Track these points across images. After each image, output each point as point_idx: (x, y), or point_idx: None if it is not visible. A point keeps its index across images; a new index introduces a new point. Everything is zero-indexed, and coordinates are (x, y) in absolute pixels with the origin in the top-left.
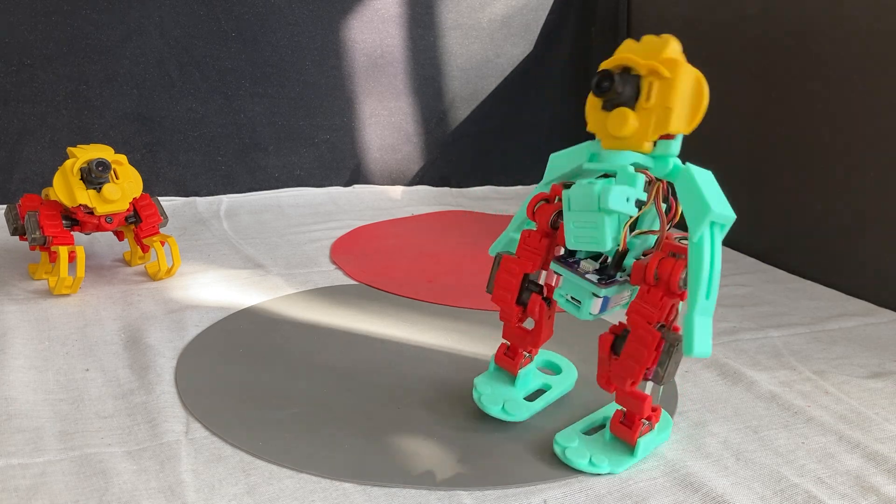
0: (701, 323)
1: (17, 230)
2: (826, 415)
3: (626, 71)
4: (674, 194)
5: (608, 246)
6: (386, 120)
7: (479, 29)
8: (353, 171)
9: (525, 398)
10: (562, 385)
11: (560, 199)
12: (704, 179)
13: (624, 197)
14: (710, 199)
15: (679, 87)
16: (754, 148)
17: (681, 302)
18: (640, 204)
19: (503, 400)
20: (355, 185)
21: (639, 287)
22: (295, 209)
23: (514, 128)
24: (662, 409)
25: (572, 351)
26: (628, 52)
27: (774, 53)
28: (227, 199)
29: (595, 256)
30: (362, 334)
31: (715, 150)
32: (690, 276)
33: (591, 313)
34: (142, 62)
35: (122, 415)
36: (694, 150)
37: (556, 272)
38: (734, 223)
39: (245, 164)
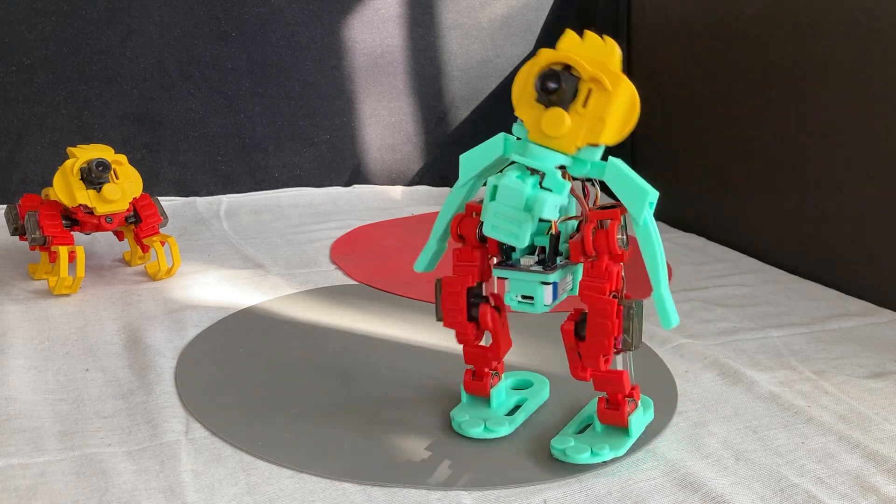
0: (668, 295)
1: (17, 230)
2: (826, 415)
3: (566, 69)
4: (589, 181)
5: (525, 244)
6: (386, 120)
7: (479, 29)
8: (353, 171)
9: (504, 415)
10: (537, 396)
11: (477, 214)
12: (629, 168)
13: (555, 206)
14: (643, 184)
15: (616, 103)
16: (754, 147)
17: (622, 262)
18: (562, 210)
19: (483, 420)
20: (355, 185)
21: (582, 266)
22: (295, 209)
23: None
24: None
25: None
26: (572, 51)
27: (774, 53)
28: (227, 199)
29: (532, 251)
30: (362, 334)
31: (715, 150)
32: (646, 256)
33: (545, 304)
34: (142, 62)
35: (122, 415)
36: (694, 149)
37: (500, 277)
38: (736, 223)
39: (245, 164)
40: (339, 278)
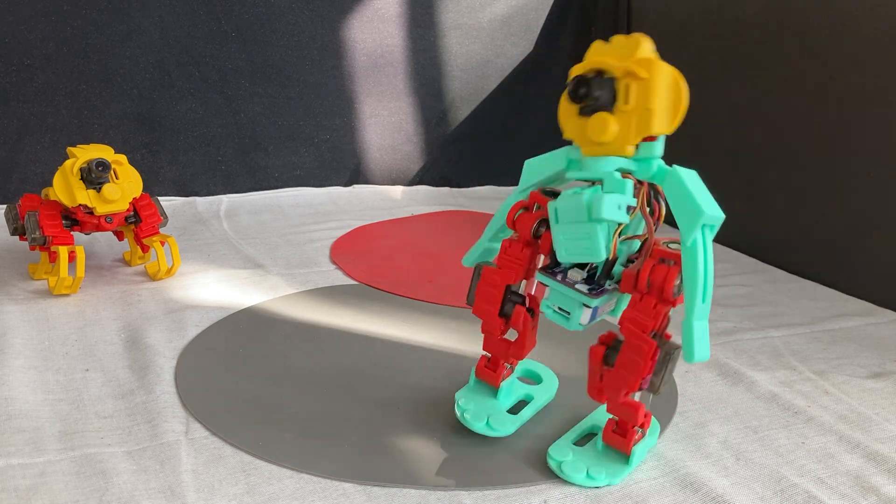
0: (700, 328)
1: (17, 230)
2: (826, 415)
3: (599, 74)
4: (656, 196)
5: (603, 256)
6: (386, 120)
7: (479, 29)
8: (353, 171)
9: (508, 410)
10: (544, 395)
11: (539, 207)
12: (692, 180)
13: (616, 205)
14: (700, 202)
15: (658, 87)
16: (754, 147)
17: (672, 308)
18: (630, 209)
19: (487, 415)
20: (355, 185)
21: (629, 295)
22: (295, 209)
23: (514, 128)
24: (652, 415)
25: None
26: (600, 55)
27: (774, 53)
28: (227, 199)
29: (581, 265)
30: (362, 334)
31: (715, 150)
32: (686, 281)
33: (580, 324)
34: (142, 62)
35: (122, 415)
36: (693, 149)
37: (542, 283)
38: (736, 222)
39: (245, 164)
40: (339, 278)
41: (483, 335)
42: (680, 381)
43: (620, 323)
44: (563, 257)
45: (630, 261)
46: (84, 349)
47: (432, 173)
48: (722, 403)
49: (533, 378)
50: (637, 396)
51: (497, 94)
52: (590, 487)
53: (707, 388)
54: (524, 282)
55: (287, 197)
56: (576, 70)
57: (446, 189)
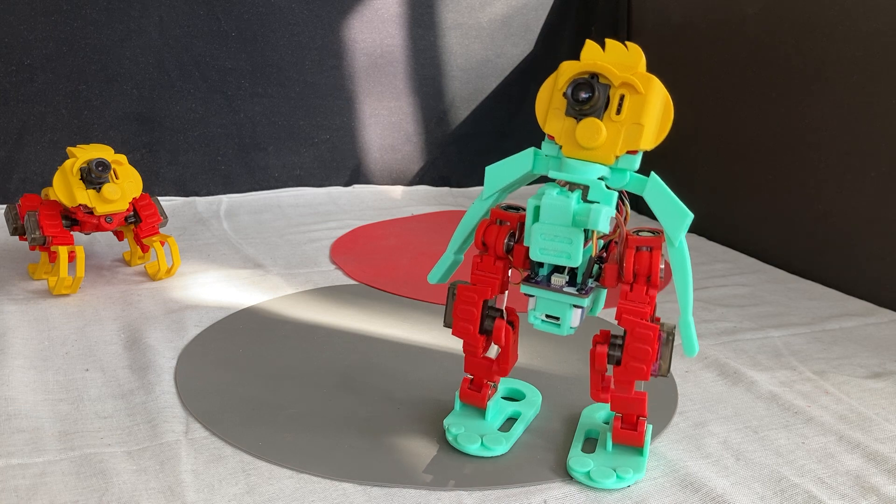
0: (692, 322)
1: (17, 230)
2: (826, 415)
3: (594, 77)
4: (621, 198)
5: (579, 261)
6: (386, 120)
7: (479, 29)
8: (353, 171)
9: (499, 429)
10: (531, 409)
11: (502, 223)
12: (668, 187)
13: (608, 218)
14: (683, 205)
15: (652, 105)
16: (754, 147)
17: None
18: (611, 221)
19: (480, 435)
20: (355, 185)
21: (605, 291)
22: (295, 209)
23: (514, 128)
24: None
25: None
26: (599, 59)
27: (774, 53)
28: (226, 199)
29: (560, 269)
30: (362, 334)
31: (714, 150)
32: (678, 280)
33: (571, 327)
34: (142, 62)
35: (122, 415)
36: (693, 149)
37: (527, 294)
38: (736, 222)
39: (245, 164)
40: (339, 278)
41: (465, 356)
42: (680, 381)
43: (618, 317)
44: (536, 255)
45: (600, 257)
46: (84, 349)
47: (432, 173)
48: (722, 403)
49: (516, 395)
50: (641, 386)
51: (497, 94)
52: (622, 488)
53: (707, 388)
54: (498, 296)
55: (287, 197)
56: (569, 67)
57: (446, 189)
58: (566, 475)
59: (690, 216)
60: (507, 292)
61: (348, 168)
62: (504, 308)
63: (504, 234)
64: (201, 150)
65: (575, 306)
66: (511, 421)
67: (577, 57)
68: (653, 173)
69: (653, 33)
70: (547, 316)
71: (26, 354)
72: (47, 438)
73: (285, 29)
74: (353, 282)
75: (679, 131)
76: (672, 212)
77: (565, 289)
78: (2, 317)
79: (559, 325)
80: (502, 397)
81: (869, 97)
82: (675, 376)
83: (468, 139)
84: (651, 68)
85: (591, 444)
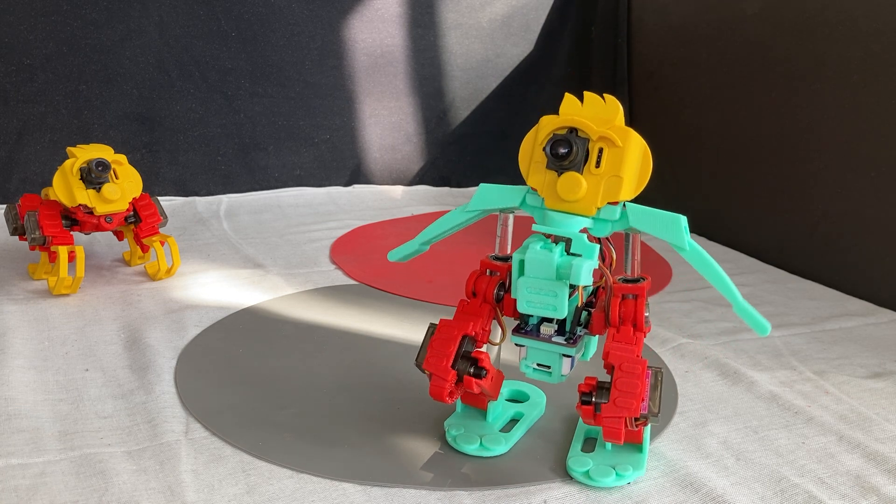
0: (748, 305)
1: (17, 230)
2: (826, 415)
3: (572, 132)
4: (608, 246)
5: (565, 313)
6: (386, 120)
7: (479, 29)
8: (353, 171)
9: (500, 430)
10: (534, 411)
11: (493, 273)
12: (646, 207)
13: (589, 271)
14: (671, 213)
15: (630, 157)
16: (754, 147)
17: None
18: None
19: (479, 436)
20: (355, 185)
21: (596, 339)
22: (295, 209)
23: (514, 128)
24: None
25: None
26: (577, 114)
27: (774, 53)
28: (226, 199)
29: (549, 318)
30: (362, 334)
31: (714, 150)
32: (710, 276)
33: (562, 375)
34: (141, 62)
35: (121, 415)
36: (693, 149)
37: (518, 344)
38: (737, 222)
39: (245, 164)
40: (339, 278)
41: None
42: (680, 381)
43: (605, 356)
44: (524, 308)
45: (589, 303)
46: (84, 349)
47: (432, 173)
48: (722, 403)
49: (520, 397)
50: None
51: (497, 94)
52: (622, 485)
53: (707, 388)
54: (484, 345)
55: (287, 197)
56: (549, 122)
57: (446, 189)
58: (566, 475)
59: (682, 218)
60: (485, 345)
61: (348, 168)
62: (477, 357)
63: (494, 284)
64: (201, 150)
65: (564, 355)
66: (514, 422)
67: (576, 57)
68: (630, 204)
69: (653, 33)
70: (538, 364)
71: (26, 354)
72: (47, 438)
73: (285, 29)
74: (353, 282)
75: (679, 131)
76: (663, 224)
77: (554, 339)
78: (2, 317)
79: (550, 373)
80: (507, 399)
81: (868, 97)
82: (675, 376)
83: (468, 139)
84: (650, 68)
85: (590, 444)
